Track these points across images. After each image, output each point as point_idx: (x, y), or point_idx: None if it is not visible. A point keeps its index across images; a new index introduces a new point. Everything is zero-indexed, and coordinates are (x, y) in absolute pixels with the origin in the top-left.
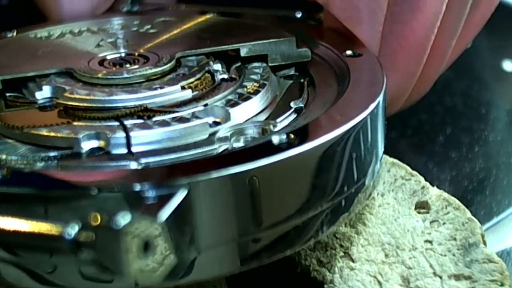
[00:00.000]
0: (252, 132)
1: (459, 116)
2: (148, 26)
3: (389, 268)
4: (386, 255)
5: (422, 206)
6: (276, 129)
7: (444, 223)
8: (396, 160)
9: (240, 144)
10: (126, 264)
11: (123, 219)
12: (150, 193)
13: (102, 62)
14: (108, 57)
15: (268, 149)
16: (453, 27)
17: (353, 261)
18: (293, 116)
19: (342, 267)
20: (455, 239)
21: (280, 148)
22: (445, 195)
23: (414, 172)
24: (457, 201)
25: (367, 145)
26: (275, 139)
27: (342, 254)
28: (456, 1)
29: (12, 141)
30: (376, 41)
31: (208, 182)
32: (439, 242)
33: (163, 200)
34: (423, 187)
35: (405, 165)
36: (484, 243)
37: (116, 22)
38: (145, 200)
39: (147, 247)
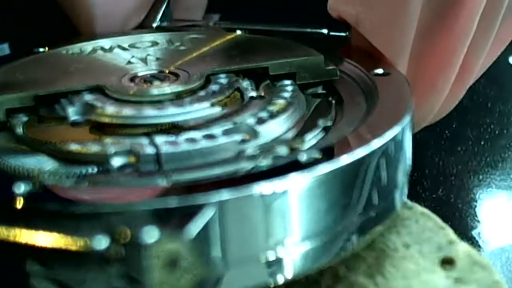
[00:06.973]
0: (280, 150)
1: (465, 110)
2: (178, 43)
3: None
4: None
5: (447, 262)
6: (304, 148)
7: (469, 283)
8: (426, 211)
9: (268, 162)
10: (153, 280)
11: (150, 235)
12: (178, 210)
13: (133, 79)
14: (139, 74)
15: (295, 167)
16: (482, 45)
17: None
18: (321, 134)
19: None
20: None
21: (306, 166)
22: (474, 252)
23: (444, 225)
24: (486, 260)
25: (394, 164)
26: (303, 157)
27: None
28: (487, 20)
29: (44, 156)
30: (404, 60)
31: (236, 200)
32: None
33: (191, 217)
34: (451, 242)
35: (435, 217)
36: None
37: (147, 38)
38: (173, 216)
39: (174, 263)
